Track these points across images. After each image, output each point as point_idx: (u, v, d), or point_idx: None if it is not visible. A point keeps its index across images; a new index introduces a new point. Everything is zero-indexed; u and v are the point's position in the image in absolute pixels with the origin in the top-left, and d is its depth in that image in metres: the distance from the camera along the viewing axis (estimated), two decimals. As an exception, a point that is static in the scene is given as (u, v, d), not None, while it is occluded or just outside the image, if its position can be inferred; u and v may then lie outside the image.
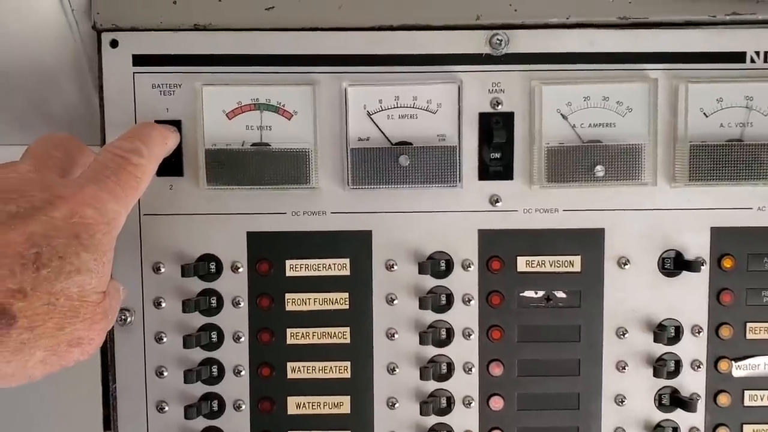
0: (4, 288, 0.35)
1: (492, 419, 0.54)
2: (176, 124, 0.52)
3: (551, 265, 0.54)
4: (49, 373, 0.38)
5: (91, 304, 0.39)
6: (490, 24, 0.52)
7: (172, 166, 0.52)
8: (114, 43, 0.52)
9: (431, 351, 0.54)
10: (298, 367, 0.54)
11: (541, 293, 0.54)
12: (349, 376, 0.54)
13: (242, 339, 0.54)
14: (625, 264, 0.53)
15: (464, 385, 0.54)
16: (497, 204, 0.53)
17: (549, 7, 0.52)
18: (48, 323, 0.37)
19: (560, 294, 0.54)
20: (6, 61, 0.52)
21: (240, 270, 0.53)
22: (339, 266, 0.54)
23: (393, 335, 0.54)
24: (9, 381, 0.37)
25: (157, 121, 0.52)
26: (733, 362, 0.54)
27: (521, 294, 0.54)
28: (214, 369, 0.54)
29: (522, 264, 0.54)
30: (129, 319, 0.53)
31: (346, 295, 0.54)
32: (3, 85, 0.53)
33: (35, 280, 0.36)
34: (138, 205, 0.53)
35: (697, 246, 0.54)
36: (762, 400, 0.55)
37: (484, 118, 0.52)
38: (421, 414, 0.53)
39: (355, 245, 0.53)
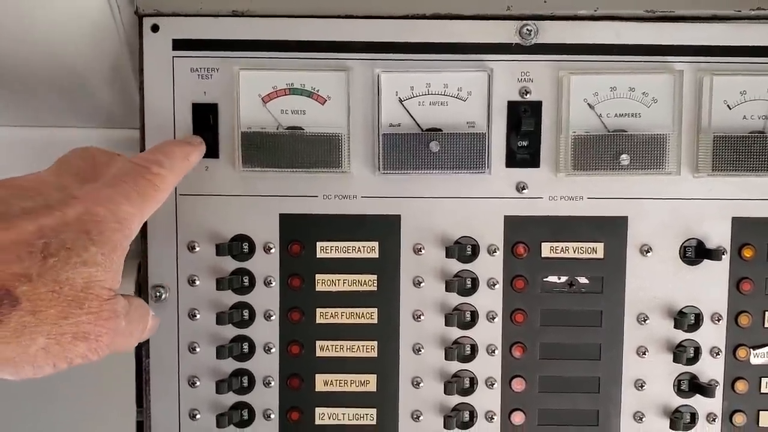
0: (10, 272, 0.36)
1: (514, 400, 0.56)
2: (213, 107, 0.54)
3: (575, 252, 0.55)
4: (55, 366, 0.39)
5: (98, 299, 0.40)
6: (520, 14, 0.53)
7: (208, 148, 0.53)
8: (155, 28, 0.53)
9: (456, 333, 0.56)
10: (327, 346, 0.56)
11: (564, 279, 0.55)
12: (376, 356, 0.56)
13: (273, 317, 0.55)
14: (648, 252, 0.55)
15: (487, 366, 0.56)
16: (524, 191, 0.54)
17: (578, -1, 0.53)
18: (51, 310, 0.38)
19: (583, 280, 0.55)
20: (48, 44, 0.54)
21: (272, 250, 0.55)
22: (368, 249, 0.55)
23: (419, 317, 0.55)
24: (13, 367, 0.38)
25: (195, 105, 0.54)
26: (751, 350, 0.55)
27: (545, 279, 0.55)
28: (245, 346, 0.55)
29: (546, 250, 0.55)
30: (164, 296, 0.54)
31: (375, 277, 0.55)
32: (46, 67, 0.55)
33: (41, 268, 0.37)
34: (175, 185, 0.54)
35: (719, 235, 0.55)
36: (779, 387, 0.56)
37: (512, 106, 0.54)
38: (445, 393, 0.54)
39: (384, 229, 0.55)
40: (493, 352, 0.55)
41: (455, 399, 0.56)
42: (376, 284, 0.55)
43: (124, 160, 0.46)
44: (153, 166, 0.45)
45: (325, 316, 0.55)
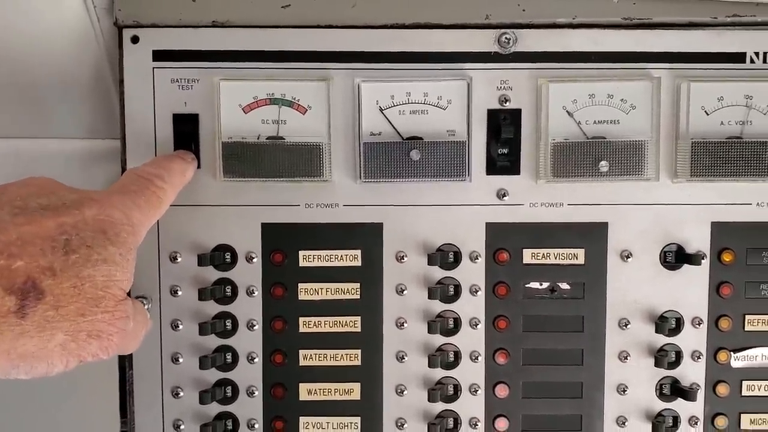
0: (35, 264, 0.38)
1: (497, 406, 0.56)
2: (194, 117, 0.54)
3: (556, 258, 0.55)
4: (67, 364, 0.40)
5: (113, 298, 0.41)
6: (499, 23, 0.53)
7: (189, 158, 0.54)
8: (135, 39, 0.53)
9: (439, 340, 0.56)
10: (310, 355, 0.56)
11: (545, 285, 0.56)
12: (360, 364, 0.56)
13: (256, 327, 0.55)
14: (628, 257, 0.55)
15: (471, 373, 0.56)
16: (504, 198, 0.55)
17: (556, 7, 0.53)
18: (71, 306, 0.39)
19: (564, 285, 0.56)
20: (28, 55, 0.54)
21: (254, 260, 0.55)
22: (351, 257, 0.55)
23: (402, 324, 0.55)
24: (29, 363, 0.38)
25: (175, 116, 0.54)
26: (731, 353, 0.56)
27: (527, 285, 0.56)
28: (229, 356, 0.55)
29: (528, 256, 0.55)
30: (146, 307, 0.54)
31: (358, 285, 0.55)
32: (25, 79, 0.55)
33: (64, 263, 0.39)
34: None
35: (698, 240, 0.55)
36: (759, 390, 0.56)
37: (492, 114, 0.54)
38: (428, 401, 0.55)
39: (367, 237, 0.55)
40: (477, 358, 0.56)
41: (439, 406, 0.56)
42: (359, 292, 0.55)
43: (126, 172, 0.48)
44: (156, 179, 0.47)
45: (308, 324, 0.55)
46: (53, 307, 0.38)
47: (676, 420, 0.56)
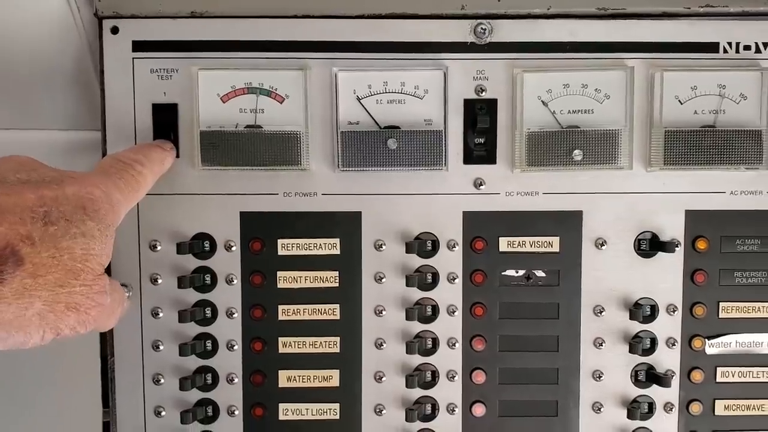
0: (15, 231, 0.38)
1: (474, 392, 0.57)
2: (173, 107, 0.54)
3: (531, 246, 0.56)
4: (44, 335, 0.41)
5: (92, 272, 0.42)
6: (475, 13, 0.54)
7: (169, 147, 0.54)
8: (114, 30, 0.54)
9: (417, 327, 0.56)
10: (289, 342, 0.56)
11: (521, 272, 0.56)
12: (339, 351, 0.56)
13: (235, 315, 0.56)
14: (603, 245, 0.56)
15: (448, 359, 0.56)
16: (481, 187, 0.55)
17: (531, -3, 0.54)
18: (49, 275, 0.39)
19: (540, 273, 0.56)
20: (10, 47, 0.54)
21: (233, 248, 0.55)
22: (329, 246, 0.56)
23: (381, 312, 0.56)
24: (6, 331, 0.39)
25: (155, 105, 0.54)
26: (706, 340, 0.57)
27: (503, 273, 0.56)
28: (208, 343, 0.56)
29: (504, 244, 0.56)
30: (128, 295, 0.55)
31: (336, 273, 0.56)
32: (8, 70, 0.55)
33: (44, 233, 0.39)
34: (136, 185, 0.55)
35: (672, 228, 0.56)
36: (733, 376, 0.57)
37: (468, 104, 0.55)
38: (406, 387, 0.55)
39: (345, 225, 0.56)
40: (454, 345, 0.56)
41: (417, 392, 0.57)
42: (337, 280, 0.56)
43: (106, 157, 0.49)
44: (135, 164, 0.48)
45: (287, 312, 0.56)
46: (32, 276, 0.39)
47: (651, 406, 0.57)
